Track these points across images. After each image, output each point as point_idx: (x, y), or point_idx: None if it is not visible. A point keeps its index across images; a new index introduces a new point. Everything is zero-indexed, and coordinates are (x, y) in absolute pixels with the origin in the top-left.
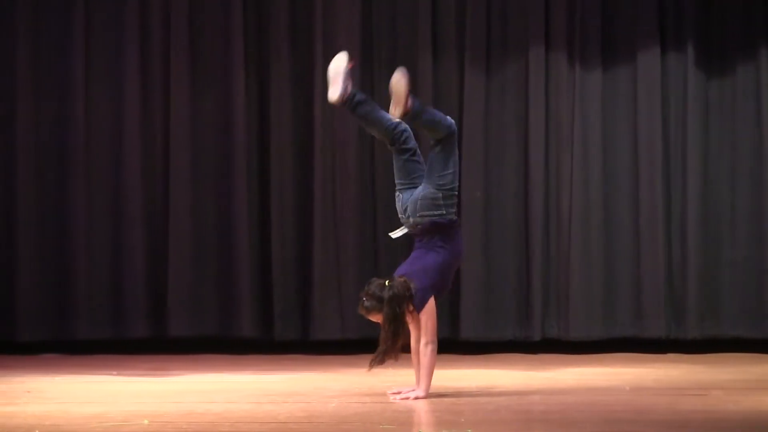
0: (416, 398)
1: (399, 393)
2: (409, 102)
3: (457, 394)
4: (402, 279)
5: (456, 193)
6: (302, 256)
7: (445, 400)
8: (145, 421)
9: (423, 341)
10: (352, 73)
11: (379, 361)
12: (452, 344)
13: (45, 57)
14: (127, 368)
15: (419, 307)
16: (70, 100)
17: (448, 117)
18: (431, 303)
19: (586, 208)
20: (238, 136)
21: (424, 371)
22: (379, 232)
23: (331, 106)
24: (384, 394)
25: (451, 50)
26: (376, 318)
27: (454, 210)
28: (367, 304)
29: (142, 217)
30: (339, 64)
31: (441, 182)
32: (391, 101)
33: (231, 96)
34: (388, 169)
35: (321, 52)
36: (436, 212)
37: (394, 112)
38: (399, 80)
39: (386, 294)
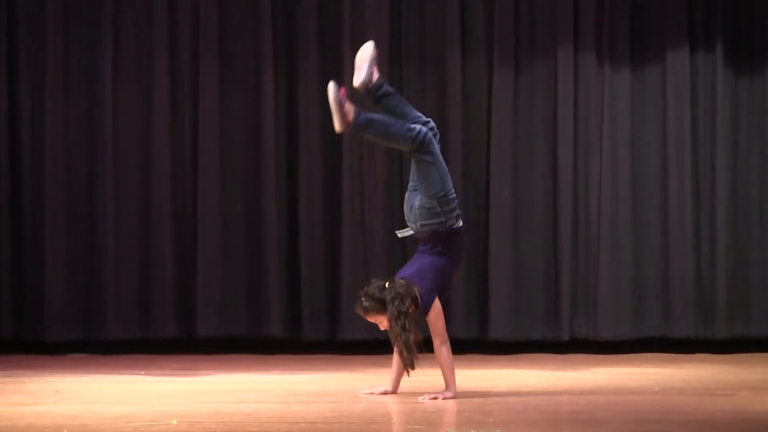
0: (444, 398)
1: (430, 395)
2: (373, 77)
3: (485, 394)
4: (404, 280)
5: (452, 196)
6: (331, 256)
7: (474, 400)
8: (174, 421)
9: (437, 343)
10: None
11: (407, 362)
12: (481, 344)
13: (73, 57)
14: (156, 368)
15: (426, 310)
16: (98, 101)
17: (419, 128)
18: (437, 304)
19: (614, 207)
20: (266, 136)
21: (446, 372)
22: None
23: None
24: (412, 394)
25: (480, 49)
26: (374, 319)
27: (454, 214)
28: (365, 304)
29: (171, 218)
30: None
31: (431, 192)
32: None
33: (260, 96)
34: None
35: (349, 52)
36: (435, 220)
37: (354, 80)
38: (365, 47)
39: (388, 295)
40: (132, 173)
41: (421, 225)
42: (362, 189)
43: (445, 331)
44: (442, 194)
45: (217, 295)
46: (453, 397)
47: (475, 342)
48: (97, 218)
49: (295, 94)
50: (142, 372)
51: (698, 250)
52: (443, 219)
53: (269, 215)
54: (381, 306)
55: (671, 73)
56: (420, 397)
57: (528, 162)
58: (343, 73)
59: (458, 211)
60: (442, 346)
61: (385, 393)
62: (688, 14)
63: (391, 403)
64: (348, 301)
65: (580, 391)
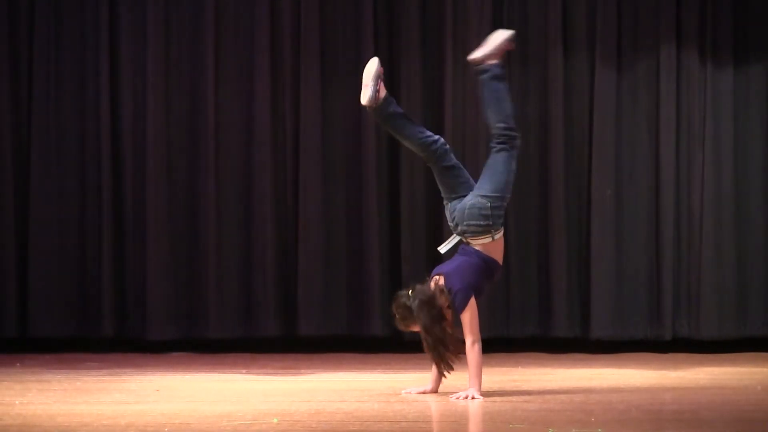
0: (473, 398)
1: (461, 395)
2: (380, 93)
3: (588, 393)
4: (427, 281)
5: (505, 203)
6: (432, 255)
7: (576, 399)
8: (275, 420)
9: (469, 340)
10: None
11: (444, 367)
12: (583, 343)
13: (175, 58)
14: (257, 367)
15: (461, 307)
16: (200, 99)
17: (436, 137)
18: (473, 302)
19: (717, 206)
20: (368, 134)
21: (473, 370)
22: (511, 229)
23: (462, 106)
24: (515, 393)
25: (582, 48)
26: (416, 327)
27: (500, 221)
28: (400, 317)
29: (272, 216)
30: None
31: (490, 190)
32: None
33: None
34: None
35: (451, 52)
36: (482, 222)
37: (361, 98)
38: (369, 64)
39: (413, 303)
40: (233, 172)
41: (467, 225)
42: None
43: (478, 330)
44: (499, 195)
45: (318, 293)
46: (474, 397)
47: (576, 341)
48: (198, 217)
49: (396, 94)
50: (244, 371)
51: None
52: (490, 222)
53: (371, 214)
54: (413, 314)
55: None
56: (451, 397)
57: (630, 161)
58: (444, 71)
59: (503, 219)
60: (474, 345)
61: (424, 392)
62: None
63: (492, 402)
64: None
65: (684, 391)
